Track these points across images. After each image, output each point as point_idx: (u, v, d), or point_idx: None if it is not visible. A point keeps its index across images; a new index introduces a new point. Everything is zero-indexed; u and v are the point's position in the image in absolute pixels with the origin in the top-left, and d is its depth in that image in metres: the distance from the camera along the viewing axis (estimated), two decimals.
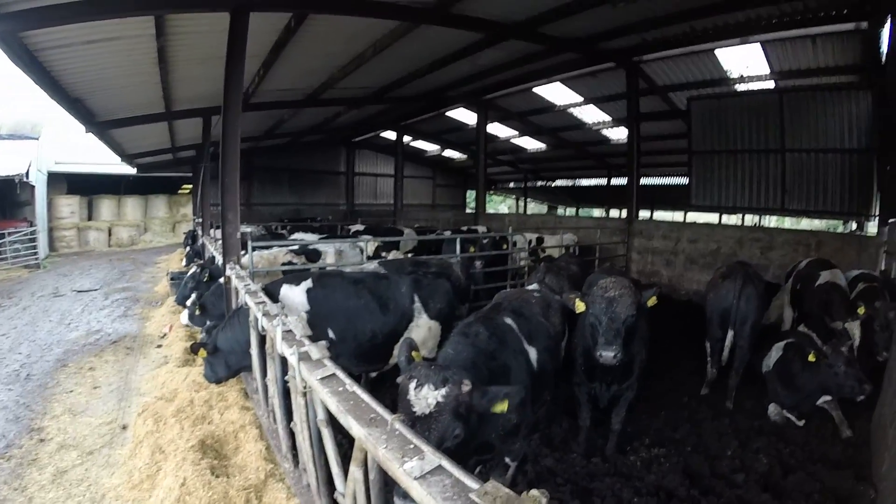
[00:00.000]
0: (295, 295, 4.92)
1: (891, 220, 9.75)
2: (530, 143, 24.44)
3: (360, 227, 14.80)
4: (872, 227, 11.68)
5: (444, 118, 21.54)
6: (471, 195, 32.19)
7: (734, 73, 13.21)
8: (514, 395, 2.53)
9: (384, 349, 5.14)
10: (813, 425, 5.34)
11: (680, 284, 12.89)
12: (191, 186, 22.78)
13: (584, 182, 30.44)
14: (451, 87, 16.15)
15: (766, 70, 12.54)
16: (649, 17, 10.48)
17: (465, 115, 20.59)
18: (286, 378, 3.40)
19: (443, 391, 2.37)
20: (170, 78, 10.40)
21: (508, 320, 3.81)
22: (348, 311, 4.96)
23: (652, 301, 4.17)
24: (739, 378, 6.00)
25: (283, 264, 7.63)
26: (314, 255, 8.28)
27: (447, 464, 1.75)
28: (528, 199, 34.21)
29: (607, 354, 3.79)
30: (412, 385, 2.41)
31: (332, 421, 2.60)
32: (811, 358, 5.02)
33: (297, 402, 3.05)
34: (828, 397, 5.23)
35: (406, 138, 25.00)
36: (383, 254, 8.85)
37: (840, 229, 16.42)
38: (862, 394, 4.77)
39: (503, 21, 10.20)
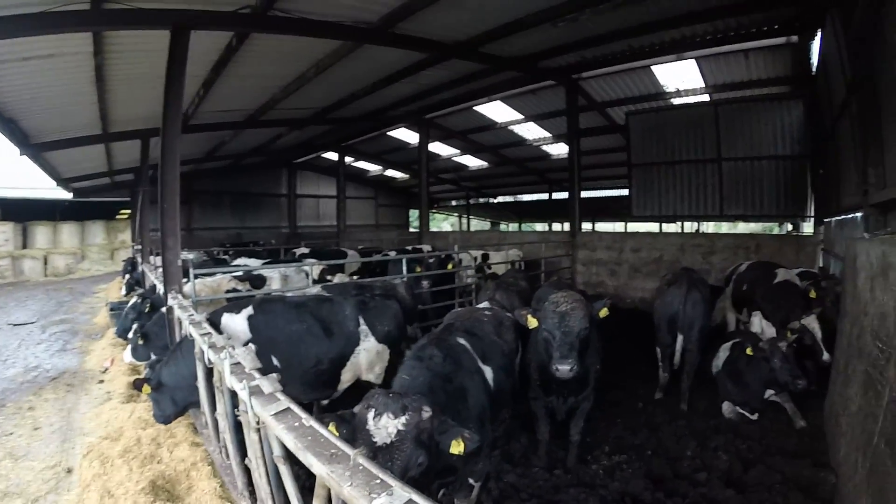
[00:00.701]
0: (236, 323, 4.73)
1: (826, 220, 10.36)
2: (472, 161, 24.65)
3: (304, 249, 14.49)
4: (807, 228, 12.35)
5: (386, 138, 21.53)
6: (414, 214, 32.18)
7: (670, 88, 13.70)
8: (470, 440, 2.50)
9: (331, 375, 4.97)
10: (768, 419, 5.55)
11: (625, 293, 13.24)
12: (129, 211, 21.93)
13: (526, 197, 31.01)
14: (393, 107, 16.13)
15: (701, 84, 13.07)
16: (589, 35, 10.75)
17: (406, 135, 20.60)
18: (237, 412, 3.27)
19: (403, 419, 2.34)
20: (108, 98, 10.08)
21: (462, 340, 3.79)
22: (291, 337, 4.79)
23: (604, 313, 4.22)
24: (692, 380, 6.16)
25: (227, 291, 7.35)
26: (258, 282, 8.04)
27: (417, 497, 1.71)
28: (471, 216, 34.43)
29: (563, 368, 3.78)
30: (370, 415, 2.36)
31: (290, 455, 2.51)
32: (749, 351, 5.30)
33: (251, 438, 2.92)
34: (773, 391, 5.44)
35: (348, 159, 24.79)
36: (328, 277, 8.70)
37: (776, 231, 17.29)
38: (796, 388, 4.99)
39: (446, 41, 10.26)
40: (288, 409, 2.52)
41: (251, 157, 22.64)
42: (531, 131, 19.09)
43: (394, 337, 5.35)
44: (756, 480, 4.38)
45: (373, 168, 27.83)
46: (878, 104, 5.56)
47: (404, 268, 8.54)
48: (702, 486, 4.33)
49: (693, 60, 11.92)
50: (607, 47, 11.64)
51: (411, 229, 29.90)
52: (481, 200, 32.94)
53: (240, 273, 8.05)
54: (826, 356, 5.49)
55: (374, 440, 2.30)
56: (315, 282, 7.89)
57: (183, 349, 4.68)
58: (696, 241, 12.61)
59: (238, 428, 3.40)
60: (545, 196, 28.29)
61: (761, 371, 5.23)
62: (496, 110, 17.03)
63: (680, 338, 6.12)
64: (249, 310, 4.85)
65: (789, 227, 15.38)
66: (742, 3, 9.22)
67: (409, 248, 14.43)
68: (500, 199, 32.52)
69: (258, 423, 2.78)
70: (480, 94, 15.06)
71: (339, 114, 15.77)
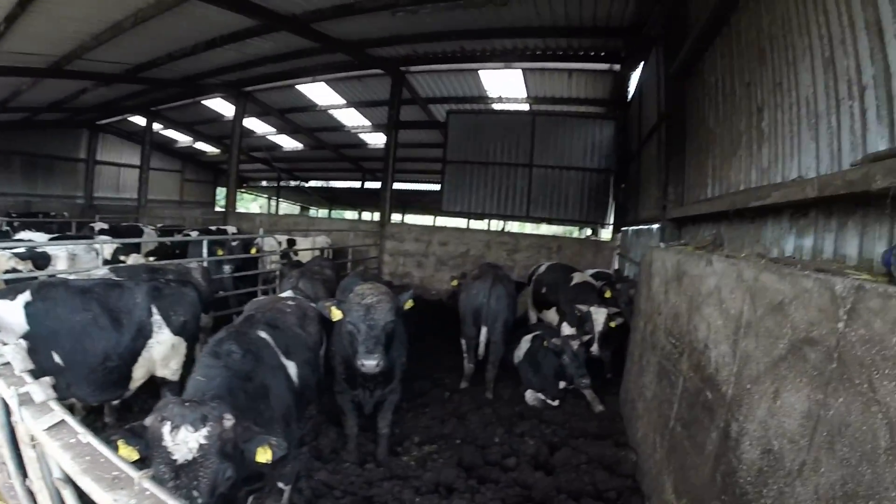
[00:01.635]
0: (10, 312, 3.95)
1: (623, 228, 11.88)
2: (287, 142, 23.82)
3: (103, 225, 12.77)
4: (605, 234, 14.07)
5: (200, 107, 19.86)
6: (221, 192, 30.07)
7: (493, 93, 14.55)
8: (278, 447, 2.39)
9: (122, 373, 4.37)
10: (569, 404, 6.07)
11: (431, 285, 13.82)
12: None
13: (338, 184, 30.71)
14: (212, 75, 14.93)
15: (524, 94, 14.12)
16: (424, 30, 10.95)
17: (222, 106, 19.25)
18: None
19: (204, 432, 2.15)
20: None
21: (263, 334, 3.54)
22: (75, 330, 4.13)
23: (409, 304, 4.27)
24: (496, 370, 6.54)
25: (5, 272, 6.15)
26: (42, 261, 6.94)
27: None
28: (281, 199, 33.24)
29: (369, 363, 3.72)
30: (166, 428, 2.14)
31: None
32: (545, 344, 5.80)
33: (28, 456, 2.47)
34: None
35: (156, 126, 22.17)
36: (121, 257, 7.81)
37: (575, 234, 19.35)
38: (581, 385, 5.57)
39: (279, 11, 9.82)
40: (62, 421, 2.14)
41: (49, 114, 19.14)
42: (351, 118, 19.03)
43: (191, 328, 4.91)
44: (563, 462, 4.74)
45: (182, 139, 25.22)
46: (685, 134, 6.47)
47: (205, 250, 7.88)
48: (512, 470, 4.58)
49: (520, 71, 12.79)
50: (440, 45, 11.96)
51: (217, 208, 27.72)
52: (293, 183, 31.72)
53: (21, 250, 6.84)
54: (594, 348, 6.15)
55: (174, 458, 2.10)
56: (106, 262, 6.99)
57: None
58: (501, 239, 13.66)
59: (15, 442, 2.86)
60: (358, 184, 28.33)
61: (555, 363, 5.76)
62: (319, 92, 16.65)
63: (484, 330, 6.43)
64: (27, 296, 4.06)
65: (588, 231, 17.25)
66: (575, 27, 10.08)
67: (214, 228, 13.56)
68: (312, 183, 31.60)
69: (32, 438, 2.37)
70: (305, 73, 14.58)
71: (152, 74, 14.14)
